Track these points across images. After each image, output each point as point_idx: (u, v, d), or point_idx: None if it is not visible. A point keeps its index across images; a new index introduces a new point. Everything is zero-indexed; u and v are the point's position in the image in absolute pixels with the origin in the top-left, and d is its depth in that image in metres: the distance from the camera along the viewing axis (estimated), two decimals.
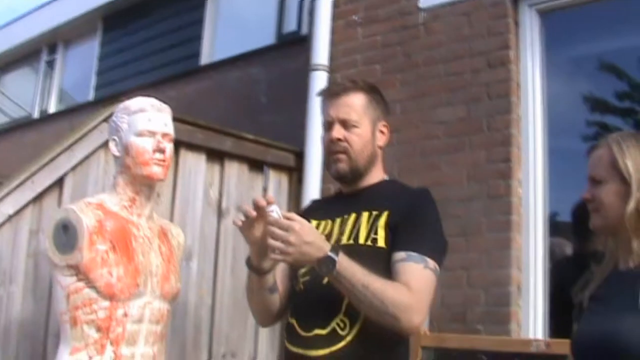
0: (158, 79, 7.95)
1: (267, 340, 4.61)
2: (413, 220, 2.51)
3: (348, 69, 4.93)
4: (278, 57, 6.79)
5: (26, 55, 10.66)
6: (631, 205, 2.20)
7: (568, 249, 4.39)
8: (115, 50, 9.14)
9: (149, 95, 6.24)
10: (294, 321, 2.56)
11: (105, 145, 3.77)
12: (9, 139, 10.24)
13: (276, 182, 4.91)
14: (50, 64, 10.30)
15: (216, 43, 7.89)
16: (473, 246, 4.08)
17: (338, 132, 2.61)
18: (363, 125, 2.64)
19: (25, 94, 10.68)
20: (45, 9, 10.32)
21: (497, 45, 4.29)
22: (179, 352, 4.15)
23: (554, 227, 4.21)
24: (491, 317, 4.00)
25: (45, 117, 9.98)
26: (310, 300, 2.51)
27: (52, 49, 10.32)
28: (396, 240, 2.48)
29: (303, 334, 2.49)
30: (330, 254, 2.30)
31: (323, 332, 2.44)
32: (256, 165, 4.78)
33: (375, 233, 2.51)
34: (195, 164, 4.39)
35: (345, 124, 2.61)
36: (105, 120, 3.79)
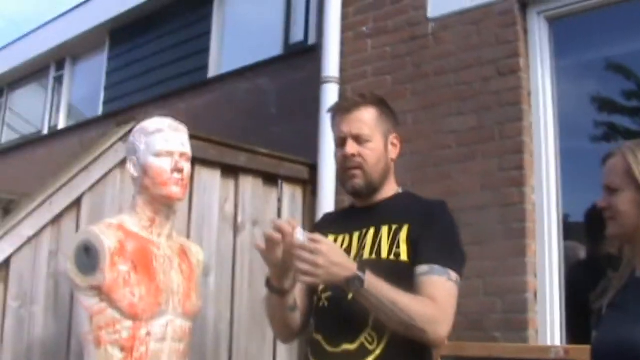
0: (167, 92, 7.99)
1: (286, 352, 4.62)
2: (433, 234, 2.52)
3: (358, 81, 4.95)
4: (285, 67, 6.81)
5: (34, 71, 10.70)
6: None
7: (582, 252, 4.40)
8: (123, 65, 9.17)
9: (158, 109, 6.26)
10: (319, 337, 2.55)
11: (121, 164, 3.79)
12: (19, 156, 10.29)
13: (290, 195, 4.93)
14: (59, 80, 10.34)
15: (224, 55, 7.91)
16: (488, 254, 4.09)
17: (352, 147, 2.62)
18: (376, 139, 2.65)
19: (34, 111, 10.72)
20: (52, 25, 10.37)
21: (507, 54, 4.30)
22: None
23: (568, 231, 4.22)
24: (508, 324, 4.01)
25: (55, 133, 10.01)
26: (336, 316, 2.51)
27: (60, 65, 10.35)
28: (418, 253, 2.49)
29: (330, 349, 2.50)
30: (357, 273, 2.31)
31: (351, 347, 2.45)
32: (270, 179, 4.80)
33: (398, 247, 2.52)
34: (210, 179, 4.41)
35: (359, 140, 2.62)
36: (121, 139, 3.82)
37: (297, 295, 2.66)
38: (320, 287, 2.58)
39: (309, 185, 5.00)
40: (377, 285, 2.32)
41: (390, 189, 2.73)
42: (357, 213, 2.75)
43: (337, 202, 4.78)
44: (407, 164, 4.15)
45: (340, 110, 2.73)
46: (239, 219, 4.56)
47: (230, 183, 4.58)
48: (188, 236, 4.16)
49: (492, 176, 4.22)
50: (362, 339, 2.45)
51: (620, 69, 4.39)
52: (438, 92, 4.56)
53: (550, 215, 4.12)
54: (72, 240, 3.10)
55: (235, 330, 4.42)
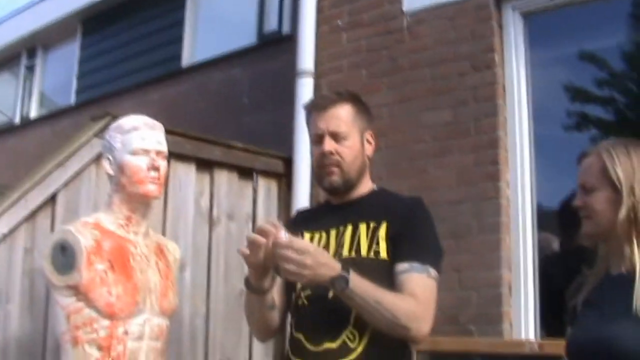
0: (140, 81, 7.92)
1: (262, 347, 4.63)
2: (412, 231, 2.54)
3: (334, 74, 4.94)
4: (259, 57, 6.78)
5: (5, 60, 10.56)
6: (623, 213, 2.24)
7: (555, 244, 4.44)
8: (96, 54, 9.07)
9: (131, 98, 6.22)
10: (300, 336, 2.55)
11: (96, 159, 3.77)
12: None
13: (265, 189, 4.93)
14: (30, 69, 10.22)
15: (197, 44, 7.85)
16: (463, 248, 4.12)
17: (329, 145, 2.61)
18: (352, 136, 2.65)
19: (5, 100, 10.60)
20: (23, 14, 10.23)
21: (482, 49, 4.32)
22: None
23: (543, 222, 4.25)
24: (483, 318, 4.04)
25: (27, 123, 9.91)
26: (317, 315, 2.52)
27: (32, 54, 10.22)
28: (397, 251, 2.51)
29: (312, 348, 2.50)
30: (342, 272, 2.32)
31: (333, 345, 2.45)
32: (246, 173, 4.79)
33: (377, 245, 2.53)
34: (185, 174, 4.40)
35: (336, 137, 2.62)
36: (96, 135, 3.80)
37: (275, 293, 2.64)
38: (299, 286, 2.58)
39: (284, 178, 5.01)
40: (361, 285, 2.33)
41: (366, 186, 2.73)
42: (332, 210, 2.74)
43: (312, 195, 4.78)
44: (383, 158, 4.16)
45: (316, 107, 2.73)
46: (215, 213, 4.56)
47: (206, 177, 4.57)
48: (164, 230, 4.16)
49: (467, 171, 4.24)
50: (343, 337, 2.45)
51: (593, 59, 4.41)
52: (413, 86, 4.56)
53: (524, 210, 4.16)
54: (47, 238, 3.09)
55: (211, 325, 4.42)
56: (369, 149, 2.74)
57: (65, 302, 2.68)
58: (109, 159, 2.89)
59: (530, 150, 4.23)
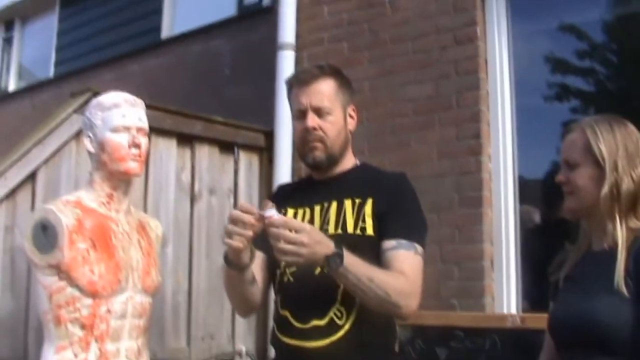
0: (119, 54, 7.85)
1: (244, 322, 4.64)
2: (398, 208, 2.54)
3: (315, 47, 4.93)
4: (240, 28, 6.71)
5: None
6: (605, 189, 2.24)
7: (537, 216, 4.46)
8: (75, 26, 8.96)
9: (110, 71, 6.18)
10: (287, 313, 2.55)
11: (76, 136, 3.75)
12: None
13: (247, 163, 4.92)
14: (8, 41, 10.09)
15: (177, 16, 7.77)
16: (445, 222, 4.13)
17: (312, 120, 2.59)
18: (335, 111, 2.63)
19: None
20: None
21: (464, 22, 4.31)
22: (158, 338, 4.17)
23: (524, 198, 4.26)
24: (465, 292, 4.06)
25: (5, 96, 9.81)
26: (304, 292, 2.50)
27: (9, 26, 10.08)
28: (384, 228, 2.50)
29: (299, 325, 2.49)
30: (337, 250, 2.30)
31: (321, 322, 2.45)
32: (227, 147, 4.78)
33: (363, 222, 2.53)
34: (166, 149, 4.38)
35: (319, 112, 2.60)
36: (76, 111, 3.76)
37: (255, 269, 2.61)
38: (283, 262, 2.54)
39: (266, 152, 5.00)
40: (354, 262, 2.32)
41: (349, 161, 2.72)
42: (316, 186, 2.72)
43: (294, 169, 4.78)
44: (364, 131, 4.16)
45: (299, 82, 2.69)
46: (196, 187, 4.55)
47: (187, 152, 4.55)
48: (145, 206, 4.14)
49: (449, 145, 4.24)
50: (331, 314, 2.45)
51: (573, 31, 4.41)
52: (395, 59, 4.56)
53: (506, 184, 4.17)
54: (28, 215, 3.07)
55: (193, 301, 4.42)
56: (352, 124, 2.72)
57: (47, 281, 2.66)
58: (89, 136, 2.85)
59: (512, 124, 4.24)
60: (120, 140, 2.79)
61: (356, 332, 2.45)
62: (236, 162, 4.88)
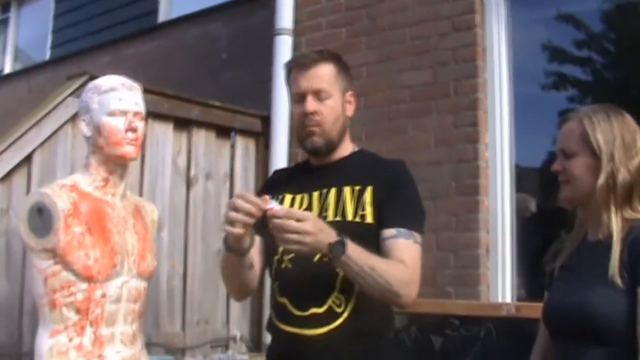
0: (116, 37, 7.84)
1: (239, 306, 4.65)
2: (398, 197, 2.53)
3: (313, 33, 4.92)
4: (238, 13, 6.71)
5: None
6: (602, 179, 2.24)
7: (533, 205, 4.46)
8: (71, 8, 8.94)
9: (106, 54, 6.15)
10: (285, 300, 2.53)
11: (72, 119, 3.74)
12: None
13: (243, 148, 4.92)
14: (4, 23, 10.08)
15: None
16: (442, 210, 4.14)
17: (312, 105, 2.56)
18: (334, 96, 2.60)
19: None
20: None
21: (463, 9, 4.31)
22: (154, 322, 4.18)
23: (521, 186, 4.26)
24: (461, 280, 4.07)
25: (1, 77, 9.80)
26: (303, 279, 2.48)
27: (5, 8, 10.09)
28: (384, 217, 2.49)
29: (298, 313, 2.48)
30: (339, 238, 2.29)
31: (320, 310, 2.44)
32: (223, 132, 4.78)
33: (363, 209, 2.51)
34: (162, 133, 4.38)
35: (318, 96, 2.57)
36: (72, 94, 3.75)
37: (254, 252, 2.59)
38: (281, 248, 2.52)
39: (262, 137, 5.00)
40: (356, 250, 2.31)
41: (347, 147, 2.70)
42: (313, 172, 2.71)
43: (290, 154, 4.79)
44: (362, 118, 4.15)
45: (298, 65, 2.66)
46: (192, 172, 4.55)
47: (183, 136, 4.55)
48: (141, 190, 4.14)
49: (446, 132, 4.24)
50: (329, 302, 2.44)
51: (572, 20, 4.41)
52: (393, 46, 4.55)
53: (503, 173, 4.18)
54: (23, 198, 3.06)
55: (188, 285, 4.42)
56: (350, 109, 2.69)
57: (43, 265, 2.65)
58: (85, 119, 2.84)
59: (509, 112, 4.24)
60: (117, 124, 2.77)
61: (355, 320, 2.44)
62: (233, 147, 4.87)
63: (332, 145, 2.63)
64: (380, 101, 4.50)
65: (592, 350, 2.13)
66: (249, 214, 2.30)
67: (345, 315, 2.45)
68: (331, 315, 2.44)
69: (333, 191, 2.58)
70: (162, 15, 7.66)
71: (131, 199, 3.00)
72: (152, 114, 4.13)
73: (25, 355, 3.47)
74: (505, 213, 4.14)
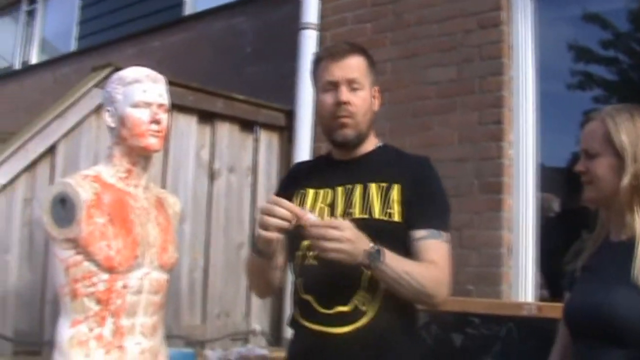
0: (141, 29, 7.86)
1: (259, 300, 4.65)
2: (426, 196, 2.51)
3: (338, 27, 4.91)
4: (263, 7, 6.71)
5: (6, 5, 10.48)
6: (625, 180, 2.22)
7: (557, 204, 4.43)
8: (98, 0, 9.00)
9: (132, 46, 6.19)
10: (309, 297, 2.51)
11: (96, 110, 3.75)
12: None
13: (267, 142, 4.93)
14: (31, 14, 10.14)
15: None
16: (465, 207, 4.12)
17: (345, 95, 2.52)
18: (366, 88, 2.58)
19: (5, 45, 10.52)
20: None
21: (489, 6, 4.28)
22: (174, 315, 4.19)
23: (545, 186, 4.24)
24: (482, 278, 4.05)
25: (27, 68, 9.86)
26: (328, 277, 2.44)
27: None
28: (413, 217, 2.47)
29: (323, 310, 2.46)
30: (376, 245, 2.28)
31: (346, 308, 2.43)
32: (247, 126, 4.78)
33: (390, 207, 2.49)
34: (186, 126, 4.39)
35: (352, 86, 2.54)
36: (96, 85, 3.77)
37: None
38: (304, 244, 2.51)
39: (286, 131, 5.00)
40: (392, 256, 2.30)
41: (372, 142, 2.66)
42: (336, 166, 2.67)
43: (313, 149, 4.78)
44: (386, 113, 4.13)
45: (332, 54, 2.62)
46: (215, 165, 4.55)
47: (207, 129, 4.56)
48: (164, 182, 4.15)
49: (470, 129, 4.22)
50: (355, 300, 2.43)
51: (598, 19, 4.38)
52: (419, 42, 4.54)
53: (527, 171, 4.15)
54: (47, 190, 3.07)
55: (209, 278, 4.43)
56: (376, 104, 2.66)
57: (64, 255, 2.66)
58: (109, 110, 2.85)
59: (534, 111, 4.21)
60: (141, 115, 2.78)
61: (380, 319, 2.42)
62: (256, 141, 4.88)
63: (361, 139, 2.59)
64: (405, 97, 4.49)
65: (612, 352, 2.12)
66: (284, 218, 2.29)
67: (370, 313, 2.42)
68: (357, 314, 2.43)
69: (359, 188, 2.55)
70: (188, 8, 7.68)
71: (154, 191, 3.00)
72: (176, 107, 4.14)
73: (47, 344, 3.49)
74: (528, 212, 4.11)
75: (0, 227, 3.52)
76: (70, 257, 2.65)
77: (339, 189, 2.58)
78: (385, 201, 2.50)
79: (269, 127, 4.94)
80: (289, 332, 2.67)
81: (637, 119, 2.27)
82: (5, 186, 3.52)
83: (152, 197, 2.94)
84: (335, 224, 2.26)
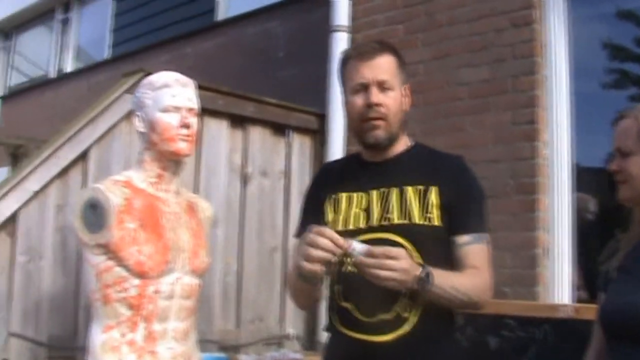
0: (174, 35, 7.91)
1: (293, 305, 4.62)
2: (466, 199, 2.47)
3: (369, 29, 4.90)
4: (295, 11, 6.72)
5: (40, 14, 10.60)
6: None
7: (593, 204, 4.38)
8: (131, 7, 9.07)
9: (165, 52, 6.24)
10: (349, 305, 2.47)
11: (127, 116, 3.76)
12: (26, 100, 10.25)
13: (299, 145, 4.92)
14: (65, 22, 10.25)
15: None
16: (499, 208, 4.08)
17: (376, 96, 2.47)
18: (396, 88, 2.52)
19: (41, 54, 10.65)
20: None
21: (521, 5, 4.25)
22: (207, 320, 4.18)
23: (580, 182, 4.19)
24: (518, 280, 4.02)
25: (62, 76, 9.96)
26: (368, 284, 2.34)
27: (67, 7, 10.26)
28: (456, 222, 2.44)
29: (364, 319, 2.42)
30: (425, 269, 2.26)
31: (388, 316, 2.39)
32: (279, 129, 4.78)
33: (430, 212, 2.44)
34: (217, 130, 4.39)
35: (382, 87, 2.48)
36: (127, 91, 3.78)
37: None
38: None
39: (318, 135, 4.98)
40: (439, 275, 2.28)
41: (403, 142, 2.60)
42: (368, 168, 2.60)
43: (346, 151, 4.76)
44: (419, 115, 4.12)
45: (361, 55, 2.56)
46: (248, 169, 4.55)
47: (238, 133, 4.56)
48: (196, 187, 4.16)
49: (504, 130, 4.19)
50: (397, 307, 2.38)
51: (632, 17, 4.33)
52: (451, 42, 4.52)
53: (561, 170, 4.12)
54: (78, 196, 3.08)
55: (243, 282, 4.43)
56: (406, 104, 2.59)
57: (96, 260, 2.67)
58: (139, 115, 2.85)
59: (568, 110, 4.16)
60: (170, 120, 2.78)
61: (422, 325, 2.38)
62: (288, 145, 4.88)
63: (393, 139, 2.53)
64: (437, 98, 4.46)
65: None
66: (329, 251, 2.24)
67: (413, 320, 2.38)
68: (399, 321, 2.38)
69: (395, 191, 2.49)
70: (221, 14, 7.70)
71: (185, 195, 3.01)
72: (207, 111, 4.14)
73: (80, 349, 3.50)
74: (564, 212, 4.07)
75: (33, 233, 3.54)
76: (101, 263, 2.66)
77: (374, 193, 2.52)
78: (424, 205, 2.45)
79: (301, 130, 4.93)
80: (323, 337, 2.65)
81: None
82: (37, 193, 3.54)
83: (183, 201, 2.94)
84: (393, 253, 2.22)
